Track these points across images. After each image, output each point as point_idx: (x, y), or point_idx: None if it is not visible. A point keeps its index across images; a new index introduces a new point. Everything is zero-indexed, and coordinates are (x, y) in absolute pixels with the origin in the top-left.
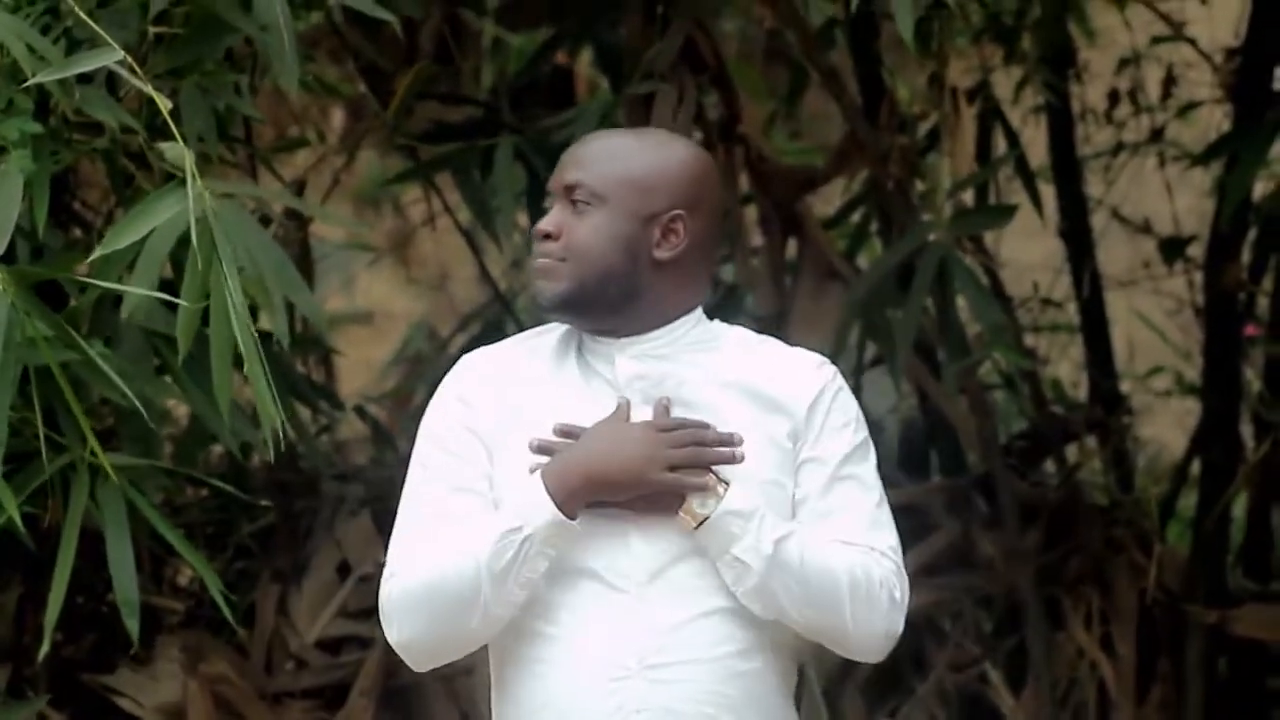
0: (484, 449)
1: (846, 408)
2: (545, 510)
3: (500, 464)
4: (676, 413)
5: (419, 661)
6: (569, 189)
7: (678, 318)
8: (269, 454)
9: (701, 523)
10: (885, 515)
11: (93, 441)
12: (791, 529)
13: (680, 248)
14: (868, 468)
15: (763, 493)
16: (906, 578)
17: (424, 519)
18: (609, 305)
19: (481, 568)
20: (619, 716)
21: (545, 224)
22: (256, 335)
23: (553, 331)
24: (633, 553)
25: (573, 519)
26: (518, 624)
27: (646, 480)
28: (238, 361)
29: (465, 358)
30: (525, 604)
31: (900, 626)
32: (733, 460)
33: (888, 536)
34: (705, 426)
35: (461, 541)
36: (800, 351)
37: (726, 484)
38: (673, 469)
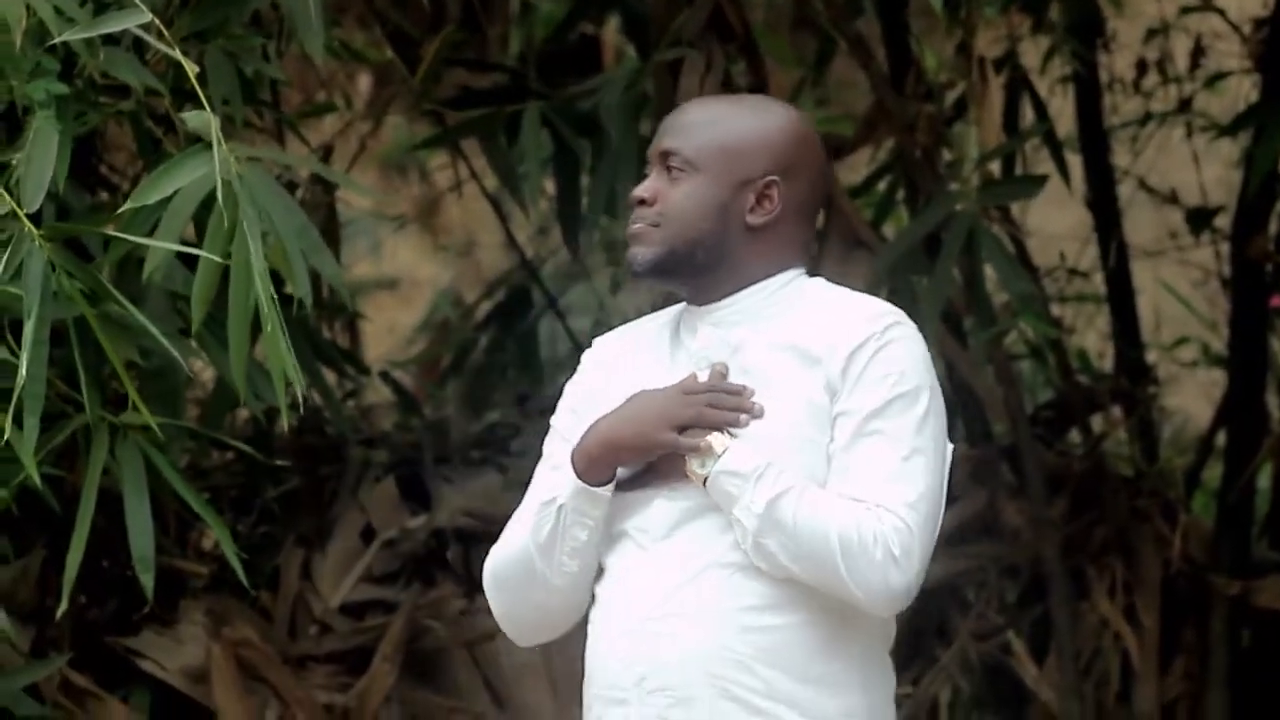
0: (582, 427)
1: (892, 360)
2: (571, 480)
3: None
4: (733, 378)
5: (516, 636)
6: (664, 155)
7: (764, 280)
8: (284, 423)
9: (705, 482)
10: (911, 469)
11: (133, 394)
12: (788, 487)
13: (774, 213)
14: (902, 423)
15: (799, 450)
16: (921, 534)
17: (527, 499)
18: (696, 269)
19: (529, 542)
20: (623, 669)
21: (641, 190)
22: (277, 298)
23: (675, 308)
24: (654, 510)
25: (599, 486)
26: (594, 591)
27: (652, 441)
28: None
29: (598, 338)
30: (598, 573)
31: (903, 582)
32: (737, 423)
33: (905, 491)
34: (739, 390)
35: (521, 519)
36: (862, 301)
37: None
38: (684, 430)
